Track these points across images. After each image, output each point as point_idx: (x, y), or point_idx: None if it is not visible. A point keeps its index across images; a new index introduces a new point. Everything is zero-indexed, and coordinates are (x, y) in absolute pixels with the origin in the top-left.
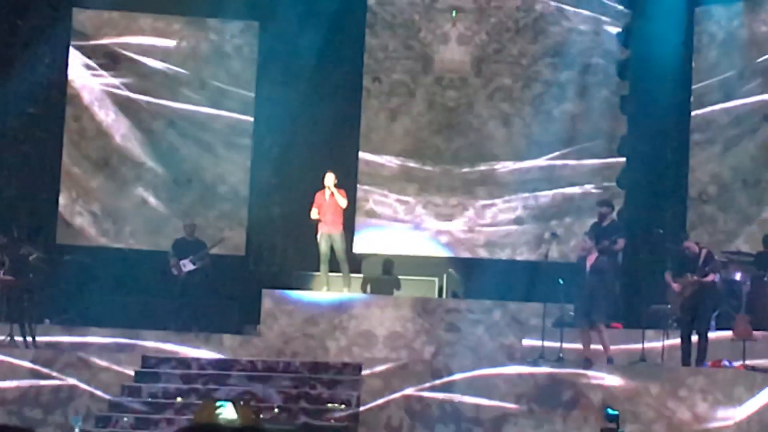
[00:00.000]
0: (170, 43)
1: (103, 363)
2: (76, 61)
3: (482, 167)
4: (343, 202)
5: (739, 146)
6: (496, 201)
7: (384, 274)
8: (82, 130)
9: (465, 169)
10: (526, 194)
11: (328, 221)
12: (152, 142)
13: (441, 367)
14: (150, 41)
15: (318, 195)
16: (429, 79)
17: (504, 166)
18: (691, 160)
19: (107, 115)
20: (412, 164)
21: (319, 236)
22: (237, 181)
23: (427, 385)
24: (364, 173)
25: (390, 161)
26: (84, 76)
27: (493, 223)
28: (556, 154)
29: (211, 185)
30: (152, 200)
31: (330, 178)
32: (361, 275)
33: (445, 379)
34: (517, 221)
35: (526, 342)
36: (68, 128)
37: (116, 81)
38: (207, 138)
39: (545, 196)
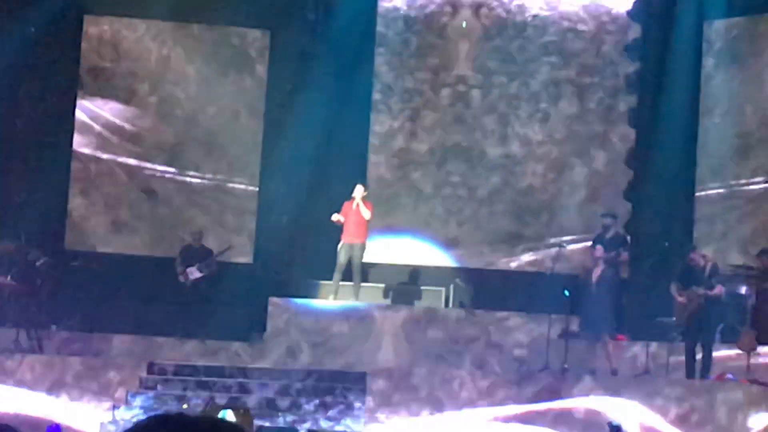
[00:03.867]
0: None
1: (108, 368)
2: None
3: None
4: (366, 214)
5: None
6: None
7: (408, 284)
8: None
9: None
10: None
11: (351, 232)
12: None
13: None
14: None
15: (345, 205)
16: (442, 85)
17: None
18: (698, 175)
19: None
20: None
21: (340, 246)
22: (245, 188)
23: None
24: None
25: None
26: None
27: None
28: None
29: (221, 189)
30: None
31: (359, 191)
32: (370, 284)
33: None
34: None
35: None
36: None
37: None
38: (218, 141)
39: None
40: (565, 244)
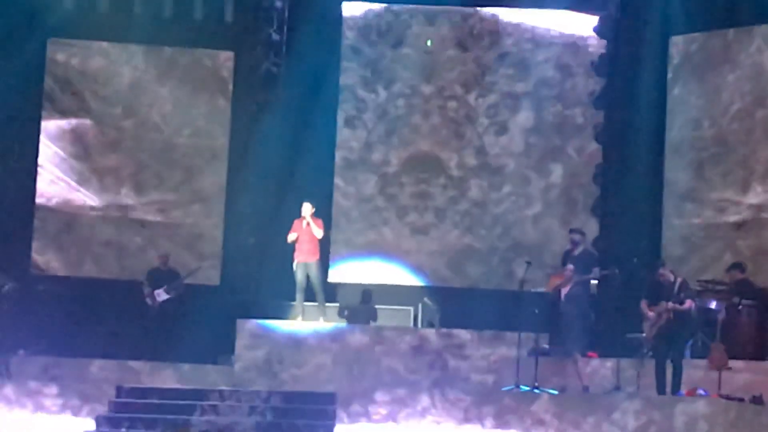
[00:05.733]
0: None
1: (76, 393)
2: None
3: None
4: (318, 233)
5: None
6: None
7: (362, 304)
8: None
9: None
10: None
11: (304, 250)
12: None
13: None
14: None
15: (296, 222)
16: (401, 96)
17: None
18: (665, 189)
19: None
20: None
21: (294, 265)
22: (212, 209)
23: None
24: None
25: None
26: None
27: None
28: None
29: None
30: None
31: (307, 208)
32: (336, 304)
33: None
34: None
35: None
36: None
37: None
38: (184, 161)
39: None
40: (531, 261)
